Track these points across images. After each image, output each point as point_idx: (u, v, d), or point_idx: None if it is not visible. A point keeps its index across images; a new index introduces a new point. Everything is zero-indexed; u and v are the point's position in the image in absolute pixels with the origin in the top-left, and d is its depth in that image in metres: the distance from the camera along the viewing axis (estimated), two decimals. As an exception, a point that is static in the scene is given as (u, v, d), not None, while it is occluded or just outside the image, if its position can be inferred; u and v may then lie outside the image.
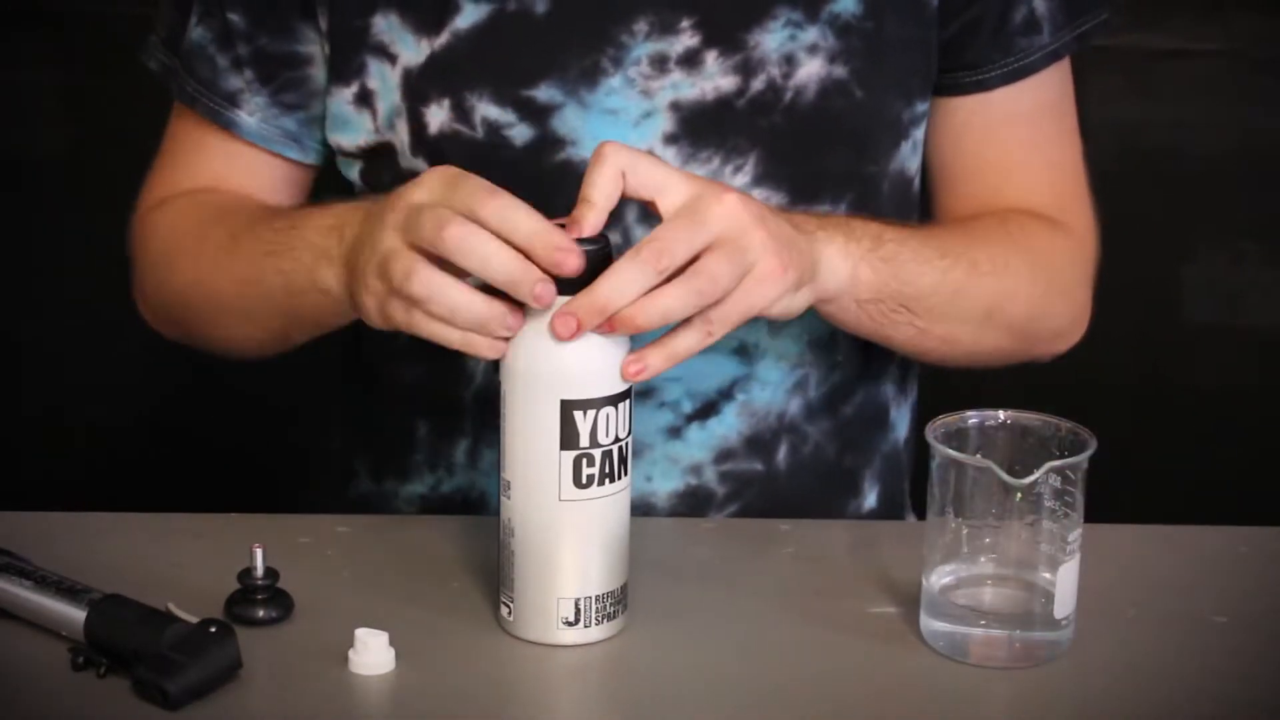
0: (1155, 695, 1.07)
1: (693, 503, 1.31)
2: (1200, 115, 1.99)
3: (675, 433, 1.30)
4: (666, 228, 1.07)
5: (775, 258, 1.09)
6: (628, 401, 1.07)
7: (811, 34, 1.26)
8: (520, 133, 1.26)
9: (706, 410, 1.30)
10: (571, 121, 1.25)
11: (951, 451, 1.07)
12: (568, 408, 1.05)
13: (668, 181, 1.09)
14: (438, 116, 1.26)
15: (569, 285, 1.05)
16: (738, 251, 1.07)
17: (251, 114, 1.33)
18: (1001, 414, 1.11)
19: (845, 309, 1.20)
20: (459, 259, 1.04)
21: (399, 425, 1.36)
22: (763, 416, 1.32)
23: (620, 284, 1.05)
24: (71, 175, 2.02)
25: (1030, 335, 1.32)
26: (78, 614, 1.07)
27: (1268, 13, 1.98)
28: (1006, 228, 1.30)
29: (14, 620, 1.10)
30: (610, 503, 1.08)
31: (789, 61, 1.26)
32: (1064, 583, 1.08)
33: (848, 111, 1.27)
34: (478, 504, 1.34)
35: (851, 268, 1.18)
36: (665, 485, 1.31)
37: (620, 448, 1.07)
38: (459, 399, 1.33)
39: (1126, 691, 1.07)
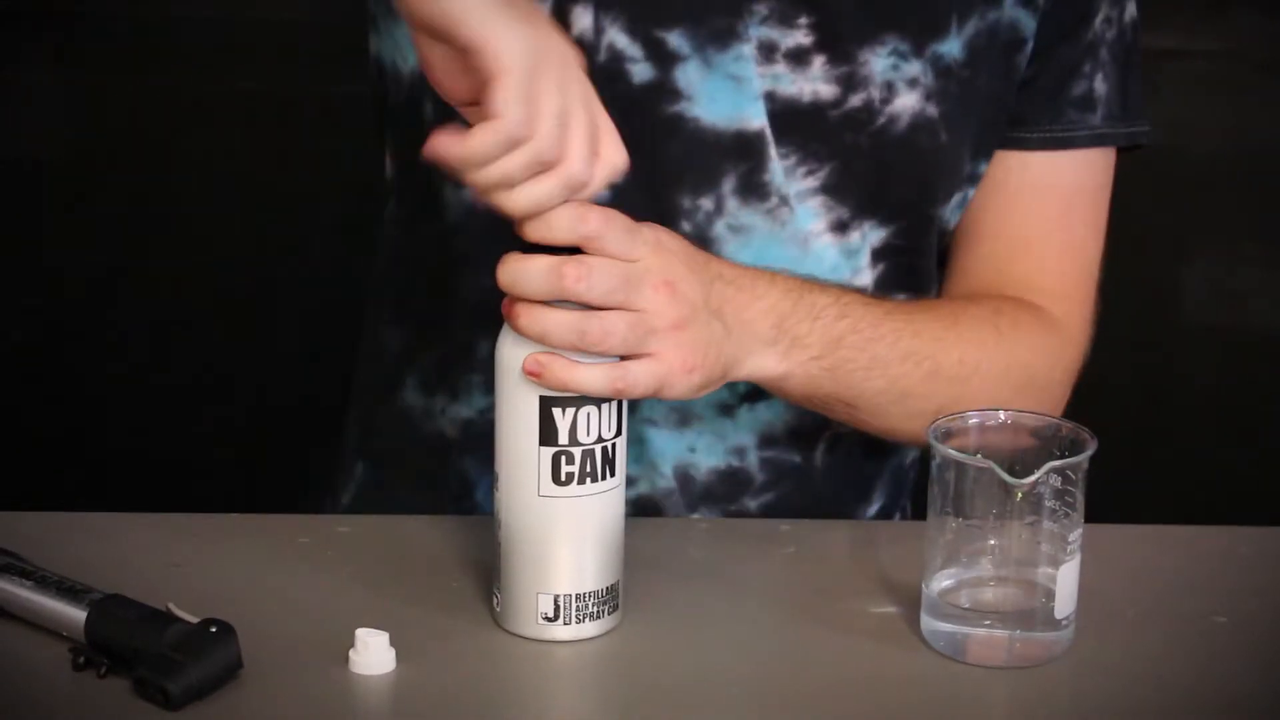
0: (1155, 695, 1.07)
1: (732, 484, 1.31)
2: (1200, 115, 1.99)
3: (727, 410, 1.29)
4: (604, 265, 1.07)
5: (681, 356, 1.10)
6: (615, 403, 1.08)
7: (914, 68, 1.26)
8: (641, 71, 1.24)
9: (755, 394, 1.29)
10: (692, 77, 1.23)
11: (951, 451, 1.07)
12: (546, 404, 1.06)
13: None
14: (581, 20, 1.23)
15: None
16: (642, 331, 1.09)
17: None
18: (1002, 414, 1.11)
19: (773, 393, 1.21)
20: None
21: (464, 334, 1.32)
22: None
23: (525, 270, 1.06)
24: (71, 176, 2.02)
25: None
26: (78, 614, 1.07)
27: (1268, 13, 1.98)
28: (996, 321, 1.29)
29: (14, 620, 1.10)
30: (593, 502, 1.08)
31: (889, 88, 1.25)
32: (1064, 583, 1.07)
33: (930, 151, 1.27)
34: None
35: (783, 371, 1.18)
36: (708, 460, 1.30)
37: (605, 448, 1.07)
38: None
39: (1126, 691, 1.07)
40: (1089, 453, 1.07)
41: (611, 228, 1.08)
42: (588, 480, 1.07)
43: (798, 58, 1.25)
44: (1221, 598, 1.16)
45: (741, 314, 1.16)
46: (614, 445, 1.08)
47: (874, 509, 1.37)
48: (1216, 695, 1.07)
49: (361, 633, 1.06)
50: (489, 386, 1.29)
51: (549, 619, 1.09)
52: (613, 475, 1.08)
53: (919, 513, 1.42)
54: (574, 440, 1.06)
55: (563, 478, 1.07)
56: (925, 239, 1.31)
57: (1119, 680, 1.08)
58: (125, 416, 2.07)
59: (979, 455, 1.07)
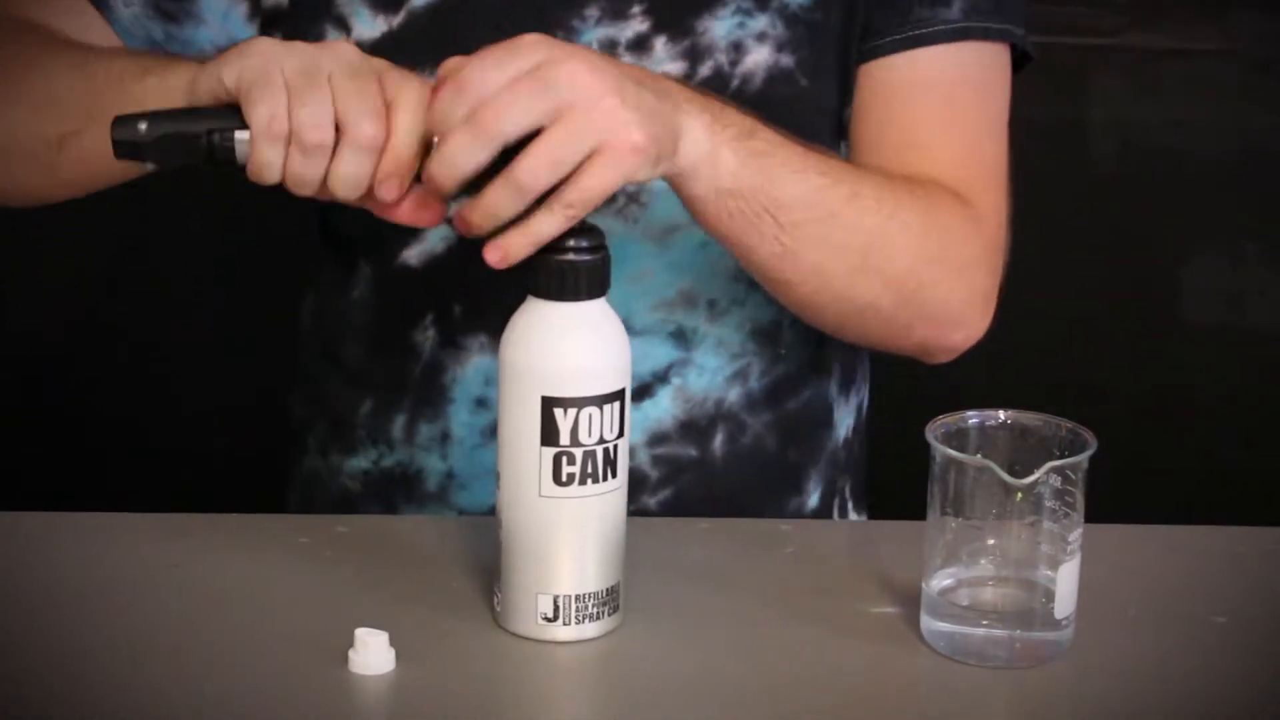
0: (1155, 695, 1.07)
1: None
2: (1200, 115, 1.99)
3: None
4: (506, 90, 1.03)
5: (632, 131, 1.04)
6: (617, 404, 1.07)
7: (760, 22, 1.27)
8: None
9: (640, 392, 1.30)
10: None
11: (951, 451, 1.07)
12: (548, 405, 1.06)
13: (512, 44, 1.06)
14: None
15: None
16: (586, 126, 1.03)
17: (129, 5, 1.29)
18: (1001, 414, 1.11)
19: (705, 194, 1.14)
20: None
21: (347, 399, 1.37)
22: (699, 402, 1.32)
23: (450, 155, 1.03)
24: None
25: (915, 302, 1.26)
26: None
27: (1268, 13, 1.98)
28: (910, 185, 1.25)
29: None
30: (593, 503, 1.08)
31: (737, 49, 1.26)
32: (1064, 583, 1.07)
33: (793, 100, 1.27)
34: (415, 479, 1.34)
35: (714, 147, 1.12)
36: None
37: (607, 450, 1.07)
38: (405, 374, 1.33)
39: (1126, 691, 1.07)
40: (1089, 453, 1.07)
41: (477, 58, 1.04)
42: (589, 481, 1.07)
43: (639, 46, 1.26)
44: (1221, 598, 1.16)
45: (662, 84, 1.12)
46: (616, 446, 1.08)
47: (812, 500, 1.38)
48: (1216, 695, 1.07)
49: (361, 632, 1.06)
50: (374, 439, 1.35)
51: (549, 619, 1.09)
52: (614, 476, 1.08)
53: (878, 501, 1.43)
54: (575, 441, 1.06)
55: (564, 478, 1.07)
56: None
57: (1119, 680, 1.08)
58: (125, 416, 2.07)
59: (979, 455, 1.08)
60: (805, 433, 1.36)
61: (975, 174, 1.30)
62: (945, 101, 1.30)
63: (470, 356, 1.31)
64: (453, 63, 1.06)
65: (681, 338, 1.31)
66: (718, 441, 1.33)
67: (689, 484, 1.32)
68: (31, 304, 2.05)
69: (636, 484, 1.31)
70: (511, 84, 1.03)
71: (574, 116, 1.03)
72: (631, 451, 1.30)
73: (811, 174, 1.18)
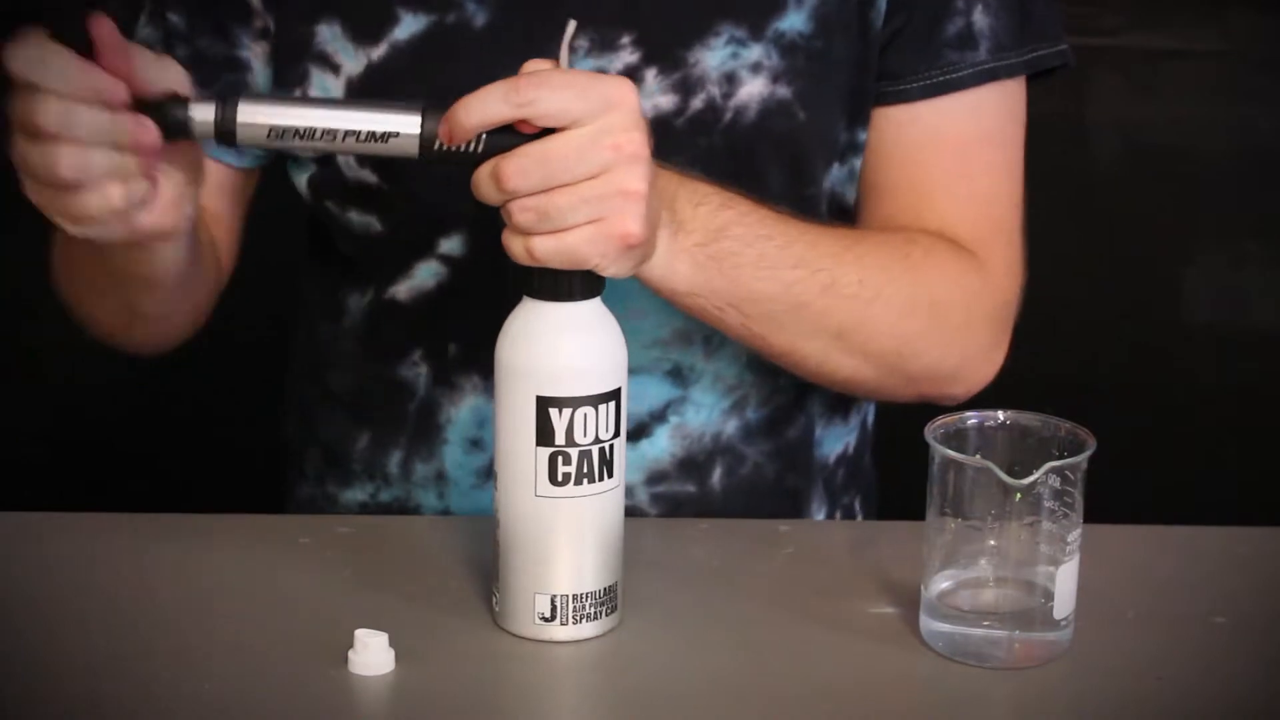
0: (1155, 695, 1.07)
1: None
2: (1200, 115, 1.99)
3: None
4: (559, 79, 1.03)
5: (640, 227, 1.05)
6: (613, 403, 1.07)
7: (755, 52, 1.24)
8: None
9: (638, 432, 1.29)
10: None
11: (951, 452, 1.07)
12: (543, 405, 1.06)
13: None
14: None
15: None
16: (599, 193, 1.04)
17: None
18: (1001, 414, 1.11)
19: (663, 293, 1.17)
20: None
21: (341, 429, 1.36)
22: (696, 438, 1.31)
23: (476, 100, 1.03)
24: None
25: (903, 371, 1.27)
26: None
27: (1268, 13, 1.98)
28: (908, 250, 1.25)
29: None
30: (591, 503, 1.08)
31: (730, 80, 1.24)
32: (1063, 583, 1.08)
33: (789, 132, 1.25)
34: (413, 515, 1.33)
35: (670, 258, 1.14)
36: None
37: (603, 449, 1.07)
38: (401, 410, 1.32)
39: (1126, 691, 1.07)
40: (1088, 453, 1.07)
41: (549, 88, 1.03)
42: (585, 481, 1.07)
43: (629, 78, 1.22)
44: (1221, 598, 1.16)
45: (664, 194, 1.12)
46: (611, 446, 1.08)
47: (817, 520, 1.37)
48: (1216, 695, 1.07)
49: (360, 633, 1.06)
50: (370, 473, 1.34)
51: (546, 619, 1.09)
52: (610, 476, 1.08)
53: (880, 511, 1.43)
54: (570, 441, 1.06)
55: (560, 478, 1.07)
56: (818, 220, 1.27)
57: (1119, 680, 1.08)
58: (126, 416, 2.07)
59: (978, 456, 1.08)
60: (802, 457, 1.35)
61: (989, 225, 1.29)
62: (964, 155, 1.29)
63: (464, 396, 1.30)
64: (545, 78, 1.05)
65: (678, 375, 1.29)
66: (716, 475, 1.32)
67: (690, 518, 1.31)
68: (32, 303, 2.05)
69: None
70: (580, 183, 1.04)
71: (599, 182, 1.04)
72: (630, 490, 1.29)
73: (783, 268, 1.18)
